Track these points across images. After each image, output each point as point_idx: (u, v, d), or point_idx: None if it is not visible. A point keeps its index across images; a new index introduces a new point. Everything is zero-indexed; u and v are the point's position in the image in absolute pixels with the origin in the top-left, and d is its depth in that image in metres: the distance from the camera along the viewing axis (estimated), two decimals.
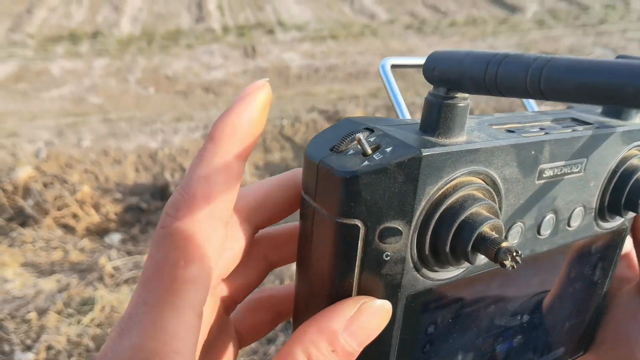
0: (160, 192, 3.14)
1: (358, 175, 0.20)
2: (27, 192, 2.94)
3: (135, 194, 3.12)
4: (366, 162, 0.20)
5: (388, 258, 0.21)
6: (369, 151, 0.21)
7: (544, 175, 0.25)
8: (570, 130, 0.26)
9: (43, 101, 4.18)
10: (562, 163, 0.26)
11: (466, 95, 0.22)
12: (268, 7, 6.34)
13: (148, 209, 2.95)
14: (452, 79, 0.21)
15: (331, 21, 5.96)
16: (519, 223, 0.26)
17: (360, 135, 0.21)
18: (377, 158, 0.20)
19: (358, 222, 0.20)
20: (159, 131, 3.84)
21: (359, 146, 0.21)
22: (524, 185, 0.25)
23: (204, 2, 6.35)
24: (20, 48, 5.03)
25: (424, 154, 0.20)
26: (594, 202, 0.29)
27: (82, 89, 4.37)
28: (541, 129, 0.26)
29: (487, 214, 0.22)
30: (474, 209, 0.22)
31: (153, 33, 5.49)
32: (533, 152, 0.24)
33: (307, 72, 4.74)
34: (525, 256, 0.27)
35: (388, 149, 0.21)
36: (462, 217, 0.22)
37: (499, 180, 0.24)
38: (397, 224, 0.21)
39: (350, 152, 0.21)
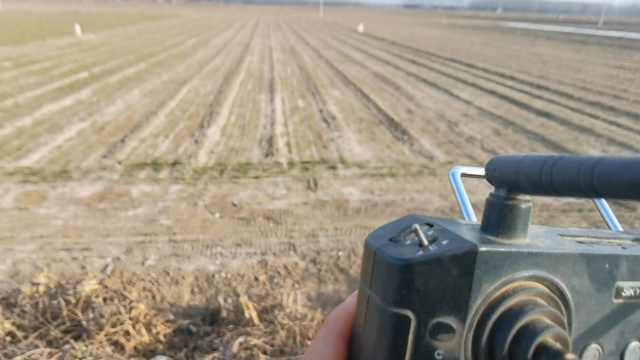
0: (212, 317, 3.11)
1: (411, 263, 0.20)
2: (87, 305, 3.03)
3: (187, 317, 3.11)
4: (421, 252, 0.21)
5: (440, 357, 0.20)
6: (426, 243, 0.21)
7: (623, 294, 0.23)
8: None
9: (119, 220, 4.51)
10: None
11: (528, 197, 0.22)
12: (332, 146, 6.80)
13: (197, 333, 2.91)
14: (510, 179, 0.21)
15: (391, 160, 6.24)
16: (595, 345, 0.23)
17: (418, 227, 0.21)
18: (432, 249, 0.20)
19: (409, 313, 0.20)
20: (219, 255, 3.95)
21: (416, 237, 0.21)
22: (599, 302, 0.23)
23: (274, 140, 6.95)
24: (108, 172, 5.63)
25: (480, 249, 0.20)
26: None
27: (155, 211, 4.70)
28: (619, 245, 0.24)
29: (550, 322, 0.20)
30: (535, 315, 0.20)
31: (226, 164, 5.98)
32: (607, 266, 0.23)
33: (366, 206, 4.85)
34: None
35: (444, 242, 0.21)
36: (523, 322, 0.20)
37: (566, 290, 0.22)
38: (450, 320, 0.20)
39: (407, 243, 0.22)
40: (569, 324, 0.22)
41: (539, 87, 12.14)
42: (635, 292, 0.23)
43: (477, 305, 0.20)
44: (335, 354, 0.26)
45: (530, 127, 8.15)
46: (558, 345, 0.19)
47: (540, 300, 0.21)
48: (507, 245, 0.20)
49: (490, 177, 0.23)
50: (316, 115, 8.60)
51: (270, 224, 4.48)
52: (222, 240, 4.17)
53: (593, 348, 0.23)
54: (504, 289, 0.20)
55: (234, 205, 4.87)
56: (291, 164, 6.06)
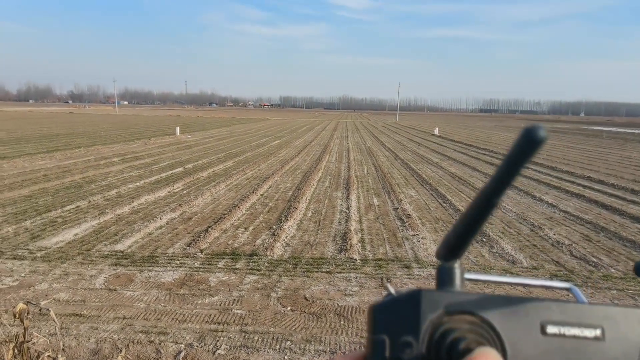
0: None
1: (378, 304, 0.29)
2: None
3: None
4: (389, 297, 0.30)
5: None
6: (393, 292, 0.31)
7: (548, 332, 0.28)
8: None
9: (195, 306, 4.65)
10: (568, 325, 0.28)
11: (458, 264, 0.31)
12: (407, 244, 6.70)
13: None
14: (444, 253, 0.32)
15: (469, 262, 5.97)
16: None
17: (388, 285, 0.32)
18: (395, 294, 0.30)
19: (384, 337, 0.28)
20: (288, 350, 3.88)
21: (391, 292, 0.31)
22: (528, 336, 0.28)
23: (348, 236, 7.00)
24: (190, 259, 5.94)
25: (422, 291, 0.29)
26: None
27: (230, 299, 4.81)
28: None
29: (477, 337, 0.27)
30: (465, 332, 0.27)
31: (300, 258, 6.07)
32: (528, 309, 0.28)
33: None
34: None
35: (404, 291, 0.30)
36: (456, 334, 0.27)
37: (494, 324, 0.28)
38: (410, 338, 0.27)
39: (385, 296, 0.31)
40: (502, 347, 0.28)
41: (633, 191, 11.33)
42: (559, 331, 0.28)
43: (425, 328, 0.28)
44: None
45: (627, 234, 7.49)
46: (482, 341, 0.27)
47: (470, 325, 0.28)
48: (445, 290, 0.30)
49: (438, 254, 0.32)
50: (391, 214, 8.62)
51: (341, 321, 4.37)
52: (292, 335, 4.11)
53: None
54: (442, 317, 0.28)
55: (306, 299, 4.84)
56: (364, 260, 6.02)
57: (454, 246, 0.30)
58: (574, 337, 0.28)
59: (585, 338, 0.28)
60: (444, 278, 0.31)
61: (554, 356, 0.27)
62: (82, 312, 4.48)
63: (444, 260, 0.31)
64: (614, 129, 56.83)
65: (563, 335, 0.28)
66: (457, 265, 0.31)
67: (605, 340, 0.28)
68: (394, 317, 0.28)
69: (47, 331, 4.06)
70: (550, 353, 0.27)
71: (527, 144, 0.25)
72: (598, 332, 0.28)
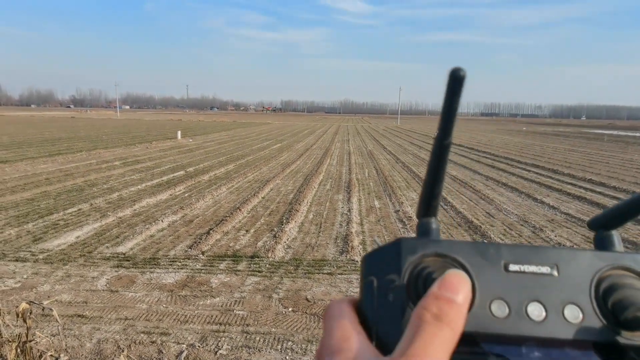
0: None
1: (367, 253, 0.34)
2: None
3: None
4: (375, 247, 0.35)
5: (390, 297, 0.31)
6: (380, 243, 0.35)
7: (510, 269, 0.32)
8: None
9: (197, 307, 4.65)
10: (528, 264, 0.33)
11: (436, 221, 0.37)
12: None
13: None
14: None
15: None
16: (500, 300, 0.31)
17: (376, 238, 0.39)
18: (380, 244, 0.35)
19: (373, 278, 0.32)
20: (289, 350, 3.88)
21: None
22: (493, 272, 0.32)
23: (349, 238, 7.01)
24: (192, 261, 5.95)
25: (402, 239, 0.33)
26: (589, 307, 0.31)
27: (232, 301, 4.81)
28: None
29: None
30: (438, 267, 0.32)
31: (301, 259, 6.08)
32: (492, 250, 0.33)
33: None
34: (527, 335, 0.31)
35: (388, 242, 0.34)
36: (429, 269, 0.31)
37: (464, 262, 0.32)
38: (393, 277, 0.32)
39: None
40: (471, 281, 0.32)
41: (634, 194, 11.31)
42: (520, 268, 0.32)
43: (405, 267, 0.32)
44: (351, 316, 0.32)
45: (628, 235, 7.49)
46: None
47: (443, 262, 0.33)
48: (422, 238, 0.34)
49: (417, 213, 0.38)
50: (392, 216, 8.63)
51: None
52: (294, 335, 4.12)
53: (498, 302, 0.31)
54: (420, 258, 0.33)
55: (307, 300, 4.85)
56: None
57: (426, 202, 0.36)
58: (533, 273, 0.32)
59: (542, 274, 0.32)
60: (422, 230, 0.36)
61: (516, 289, 0.32)
62: (84, 313, 4.49)
63: (422, 217, 0.36)
64: (615, 132, 56.81)
65: (523, 272, 0.32)
66: (433, 221, 0.36)
67: (560, 275, 0.32)
68: (380, 262, 0.33)
69: (49, 331, 4.07)
70: (512, 286, 0.32)
71: (454, 82, 0.30)
72: (553, 268, 0.33)
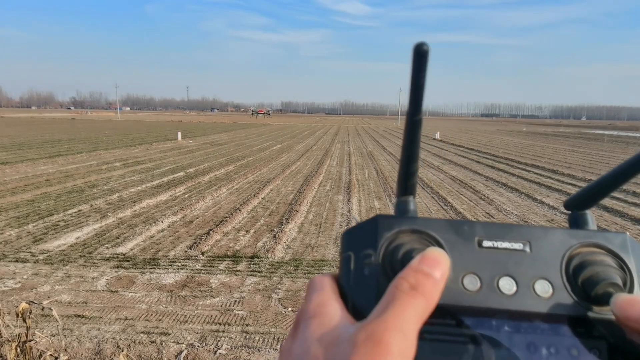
0: None
1: (346, 230, 0.35)
2: None
3: None
4: (355, 224, 0.36)
5: (367, 271, 0.32)
6: (358, 219, 0.37)
7: (484, 245, 0.33)
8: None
9: (197, 307, 4.66)
10: (501, 240, 0.34)
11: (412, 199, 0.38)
12: None
13: None
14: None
15: None
16: (472, 274, 0.32)
17: (356, 216, 0.41)
18: (359, 221, 0.35)
19: (350, 253, 0.33)
20: None
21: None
22: (466, 248, 0.33)
23: None
24: (192, 262, 5.95)
25: (379, 215, 0.35)
26: (559, 282, 0.32)
27: (231, 301, 4.82)
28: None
29: (422, 246, 0.32)
30: (413, 244, 0.33)
31: (301, 260, 6.09)
32: (466, 228, 0.34)
33: None
34: (499, 308, 0.32)
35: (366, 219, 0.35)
36: (407, 247, 0.32)
37: (438, 238, 0.33)
38: (370, 251, 0.33)
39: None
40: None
41: (634, 194, 11.33)
42: (493, 244, 0.33)
43: (381, 243, 0.33)
44: (332, 287, 0.33)
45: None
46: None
47: (418, 238, 0.33)
48: (399, 216, 0.35)
49: (396, 192, 0.39)
50: None
51: None
52: None
53: (470, 276, 0.32)
54: (396, 235, 0.33)
55: None
56: None
57: (403, 181, 0.36)
58: (505, 249, 0.33)
59: (515, 250, 0.33)
60: (399, 209, 0.37)
61: (488, 264, 0.33)
62: (84, 313, 4.50)
63: (400, 196, 0.37)
64: (615, 132, 56.81)
65: (496, 248, 0.33)
66: (410, 199, 0.37)
67: (532, 252, 0.33)
68: (358, 237, 0.34)
69: (49, 331, 4.08)
70: (484, 261, 0.33)
71: (419, 57, 0.31)
72: (526, 245, 0.34)
